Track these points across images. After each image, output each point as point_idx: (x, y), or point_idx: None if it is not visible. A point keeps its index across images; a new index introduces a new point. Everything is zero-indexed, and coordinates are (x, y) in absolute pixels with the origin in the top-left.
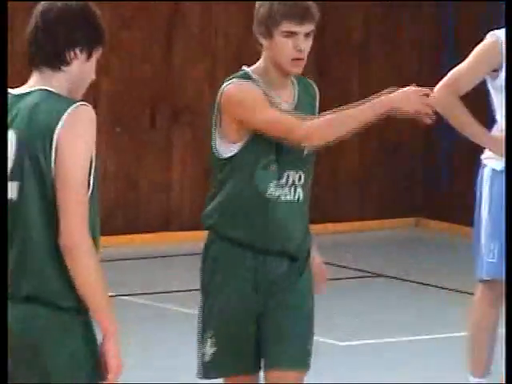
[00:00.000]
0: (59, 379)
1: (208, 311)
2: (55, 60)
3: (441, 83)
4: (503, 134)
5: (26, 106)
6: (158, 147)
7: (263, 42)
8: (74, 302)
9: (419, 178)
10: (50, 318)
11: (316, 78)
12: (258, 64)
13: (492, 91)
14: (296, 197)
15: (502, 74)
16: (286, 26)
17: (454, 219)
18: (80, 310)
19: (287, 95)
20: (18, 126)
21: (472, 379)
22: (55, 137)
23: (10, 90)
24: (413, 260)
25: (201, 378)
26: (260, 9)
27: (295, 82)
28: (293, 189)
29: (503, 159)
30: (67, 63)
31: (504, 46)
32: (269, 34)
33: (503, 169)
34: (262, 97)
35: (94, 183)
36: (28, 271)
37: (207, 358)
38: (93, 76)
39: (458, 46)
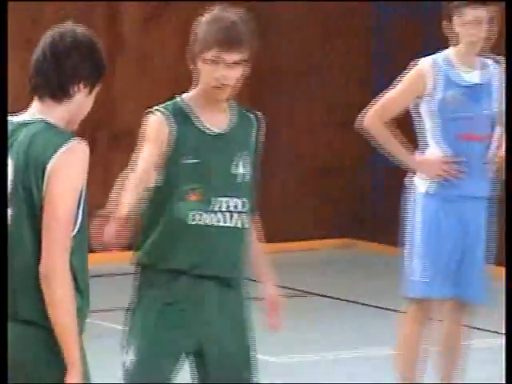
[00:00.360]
0: None
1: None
2: (59, 92)
3: (371, 110)
4: (432, 155)
5: (25, 135)
6: (98, 171)
7: (193, 66)
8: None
9: (350, 201)
10: (38, 339)
11: (248, 105)
12: (193, 88)
13: (425, 114)
14: (233, 223)
15: (437, 98)
16: (211, 53)
17: (383, 240)
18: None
19: (220, 121)
20: (16, 155)
21: None
22: (47, 170)
23: (11, 117)
24: (344, 279)
25: None
26: (192, 34)
27: (232, 110)
28: (228, 215)
29: (429, 181)
30: (70, 96)
31: (431, 71)
32: (196, 60)
33: (431, 191)
34: (153, 136)
35: (82, 218)
36: (18, 294)
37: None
38: (88, 109)
39: (389, 73)
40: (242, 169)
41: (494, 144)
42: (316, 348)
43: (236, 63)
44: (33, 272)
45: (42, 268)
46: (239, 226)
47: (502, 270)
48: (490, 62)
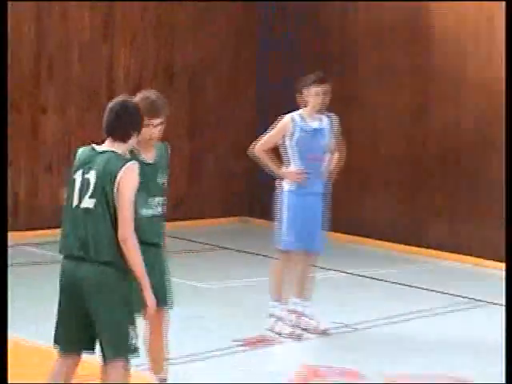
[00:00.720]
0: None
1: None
2: (122, 137)
3: (257, 144)
4: (292, 169)
5: (102, 159)
6: None
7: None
8: (125, 264)
9: (244, 188)
10: (113, 272)
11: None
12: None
13: (289, 146)
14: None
15: (294, 137)
16: (145, 120)
17: (268, 218)
18: (126, 269)
19: (151, 156)
20: (97, 169)
21: (274, 304)
22: (118, 177)
23: (95, 146)
24: (240, 241)
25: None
26: None
27: (156, 146)
28: (159, 207)
29: (290, 183)
30: (128, 139)
31: (291, 122)
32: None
33: (291, 189)
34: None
35: (135, 204)
36: (94, 247)
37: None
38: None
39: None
40: (161, 180)
41: (326, 161)
42: (221, 277)
43: (160, 123)
44: (112, 235)
45: (121, 234)
46: (161, 212)
47: (332, 234)
48: (324, 116)
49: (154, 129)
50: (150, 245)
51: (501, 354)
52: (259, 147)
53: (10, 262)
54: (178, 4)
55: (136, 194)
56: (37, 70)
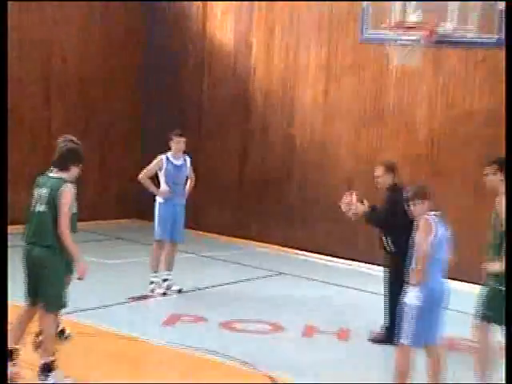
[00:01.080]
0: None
1: None
2: (61, 167)
3: (142, 172)
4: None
5: (51, 181)
6: None
7: None
8: (61, 248)
9: (136, 192)
10: (52, 252)
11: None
12: None
13: (161, 174)
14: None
15: (164, 168)
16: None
17: (148, 219)
18: (62, 250)
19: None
20: (47, 187)
21: (152, 274)
22: (58, 194)
23: (49, 173)
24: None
25: None
26: None
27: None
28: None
29: (161, 199)
30: (69, 170)
31: (164, 159)
32: None
33: (162, 201)
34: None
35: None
36: (42, 235)
37: None
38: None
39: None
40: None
41: (187, 185)
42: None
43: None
44: (54, 228)
45: (60, 229)
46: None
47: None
48: (186, 156)
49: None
50: None
51: (305, 307)
52: (143, 175)
53: None
54: None
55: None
56: None
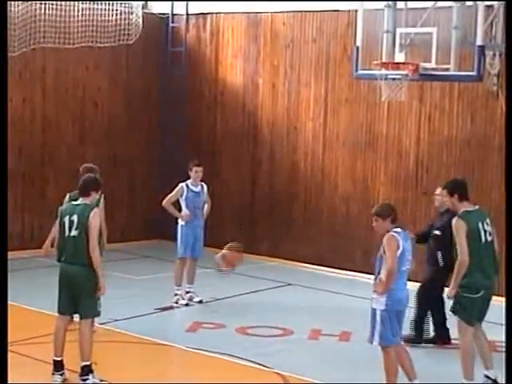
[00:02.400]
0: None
1: None
2: (84, 194)
3: (165, 200)
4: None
5: (79, 207)
6: None
7: None
8: (91, 266)
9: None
10: (86, 270)
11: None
12: None
13: (182, 200)
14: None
15: (184, 195)
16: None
17: (172, 239)
18: (92, 268)
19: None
20: (78, 214)
21: (176, 287)
22: (89, 219)
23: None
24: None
25: None
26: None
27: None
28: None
29: (182, 221)
30: (89, 196)
31: (184, 186)
32: None
33: (183, 224)
34: None
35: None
36: (78, 256)
37: None
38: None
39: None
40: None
41: (204, 209)
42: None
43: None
44: (87, 249)
45: (90, 249)
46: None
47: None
48: (203, 183)
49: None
50: None
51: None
52: (166, 201)
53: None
54: None
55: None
56: None
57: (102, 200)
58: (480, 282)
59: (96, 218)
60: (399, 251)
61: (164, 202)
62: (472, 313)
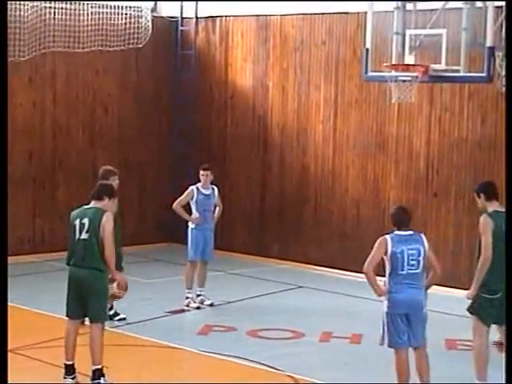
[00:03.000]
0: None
1: None
2: (97, 198)
3: (175, 202)
4: None
5: (90, 211)
6: None
7: None
8: (103, 269)
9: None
10: (98, 273)
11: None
12: None
13: (192, 203)
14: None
15: (195, 198)
16: (112, 178)
17: (182, 242)
18: (105, 270)
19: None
20: (89, 217)
21: (187, 290)
22: (102, 222)
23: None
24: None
25: None
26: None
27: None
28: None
29: (193, 224)
30: (103, 200)
31: (194, 189)
32: None
33: (193, 227)
34: None
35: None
36: (88, 259)
37: None
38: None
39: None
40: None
41: (215, 212)
42: (158, 276)
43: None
44: (98, 252)
45: (106, 253)
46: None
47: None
48: (214, 186)
49: (206, 177)
50: None
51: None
52: (176, 204)
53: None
54: None
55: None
56: None
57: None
58: (499, 283)
59: (109, 222)
60: (392, 254)
61: (174, 204)
62: (489, 314)
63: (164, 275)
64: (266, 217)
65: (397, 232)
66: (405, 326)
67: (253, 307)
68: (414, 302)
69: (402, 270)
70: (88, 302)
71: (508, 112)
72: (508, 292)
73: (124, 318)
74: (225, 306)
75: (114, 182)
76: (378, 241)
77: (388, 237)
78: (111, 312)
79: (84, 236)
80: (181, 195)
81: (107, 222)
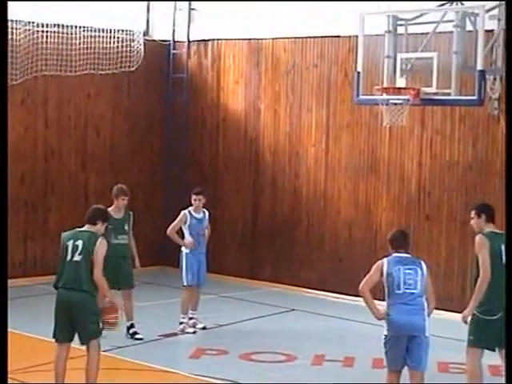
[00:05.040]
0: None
1: None
2: (93, 223)
3: (169, 228)
4: None
5: (84, 235)
6: None
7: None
8: (94, 291)
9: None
10: (89, 297)
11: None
12: None
13: (185, 228)
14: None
15: (188, 221)
16: (121, 198)
17: (175, 265)
18: (95, 293)
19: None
20: (83, 240)
21: (181, 315)
22: (95, 247)
23: (80, 229)
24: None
25: None
26: None
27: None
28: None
29: (187, 249)
30: (96, 225)
31: (187, 214)
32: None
33: (188, 251)
34: None
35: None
36: (79, 282)
37: None
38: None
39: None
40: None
41: (206, 235)
42: (150, 299)
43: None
44: (89, 274)
45: (96, 277)
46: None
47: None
48: (205, 210)
49: (124, 201)
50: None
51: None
52: (170, 229)
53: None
54: None
55: None
56: None
57: (131, 219)
58: (499, 303)
59: (103, 247)
60: (387, 275)
61: (168, 230)
62: (484, 336)
63: (156, 298)
64: (258, 240)
65: (395, 254)
66: (402, 348)
67: (245, 330)
68: (414, 326)
69: (399, 288)
70: (79, 324)
71: (508, 112)
72: (508, 291)
73: (141, 339)
74: (217, 329)
75: (123, 201)
76: (376, 264)
77: (385, 259)
78: (131, 331)
79: (76, 258)
80: (173, 220)
81: (101, 248)
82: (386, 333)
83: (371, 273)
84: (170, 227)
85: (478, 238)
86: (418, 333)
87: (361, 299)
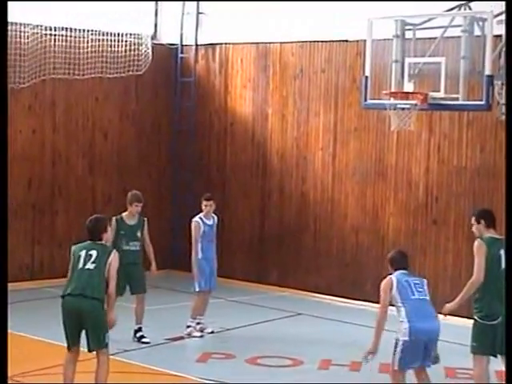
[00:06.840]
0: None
1: None
2: (99, 237)
3: (193, 248)
4: None
5: (97, 248)
6: None
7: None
8: (103, 300)
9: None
10: (98, 304)
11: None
12: None
13: (196, 233)
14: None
15: (201, 229)
16: (135, 204)
17: (185, 269)
18: (104, 302)
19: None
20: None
21: (190, 319)
22: (110, 259)
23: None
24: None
25: None
26: None
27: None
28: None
29: (198, 255)
30: (102, 238)
31: (199, 221)
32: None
33: (200, 257)
34: None
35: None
36: (91, 289)
37: None
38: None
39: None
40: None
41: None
42: (160, 302)
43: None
44: (101, 283)
45: (109, 291)
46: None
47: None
48: (214, 215)
49: (138, 208)
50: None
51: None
52: (194, 243)
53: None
54: None
55: None
56: None
57: (145, 225)
58: (498, 308)
59: (116, 260)
60: (395, 288)
61: (193, 245)
62: (485, 341)
63: (163, 302)
64: (266, 244)
65: (398, 272)
66: (420, 352)
67: (252, 335)
68: (434, 331)
69: (413, 294)
70: (90, 331)
71: (508, 112)
72: (508, 292)
73: (148, 342)
74: (224, 333)
75: (137, 207)
76: (383, 282)
77: (391, 275)
78: (138, 334)
79: (89, 266)
80: (181, 224)
81: (114, 261)
82: (403, 337)
83: (382, 296)
84: (193, 240)
85: (476, 242)
86: (437, 337)
87: (367, 304)
